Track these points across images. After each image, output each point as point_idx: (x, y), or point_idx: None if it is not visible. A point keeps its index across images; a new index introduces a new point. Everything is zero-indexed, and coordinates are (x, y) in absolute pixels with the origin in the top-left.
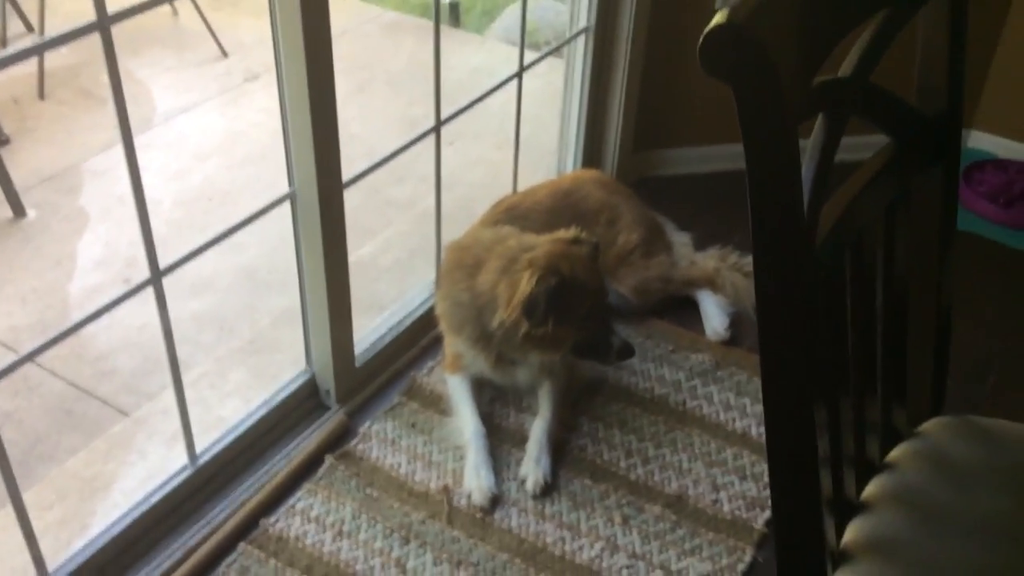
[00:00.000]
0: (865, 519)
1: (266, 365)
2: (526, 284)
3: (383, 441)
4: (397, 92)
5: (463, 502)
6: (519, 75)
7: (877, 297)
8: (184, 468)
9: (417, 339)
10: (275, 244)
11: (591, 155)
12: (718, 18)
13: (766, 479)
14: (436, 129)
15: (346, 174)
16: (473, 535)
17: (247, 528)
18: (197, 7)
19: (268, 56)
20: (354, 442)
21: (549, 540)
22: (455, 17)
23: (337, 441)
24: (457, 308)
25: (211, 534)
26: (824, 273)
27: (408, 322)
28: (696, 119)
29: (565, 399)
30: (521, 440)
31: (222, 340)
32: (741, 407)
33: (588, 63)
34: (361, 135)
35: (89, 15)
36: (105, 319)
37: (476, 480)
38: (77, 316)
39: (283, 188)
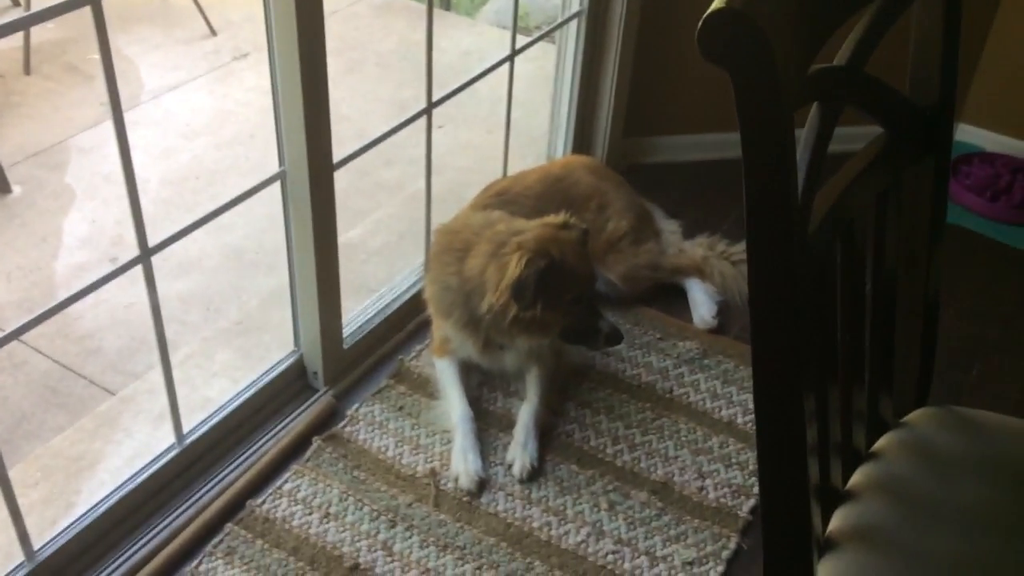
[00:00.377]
0: (851, 507)
1: (253, 346)
2: (515, 267)
3: (370, 424)
4: (387, 74)
5: (450, 486)
6: (511, 59)
7: (866, 287)
8: (171, 448)
9: (405, 322)
10: (263, 225)
11: (581, 140)
12: (717, 3)
13: (751, 467)
14: (427, 111)
15: (336, 155)
16: (460, 519)
17: (234, 509)
18: None
19: (257, 35)
20: (341, 424)
21: (535, 525)
22: (446, 0)
23: (324, 423)
24: (446, 292)
25: (197, 514)
26: (815, 262)
27: (396, 305)
28: (687, 107)
29: (552, 385)
30: (508, 425)
31: (209, 320)
32: (728, 395)
33: (580, 48)
34: (351, 116)
35: None
36: (91, 298)
37: (463, 464)
38: (63, 294)
39: (271, 168)
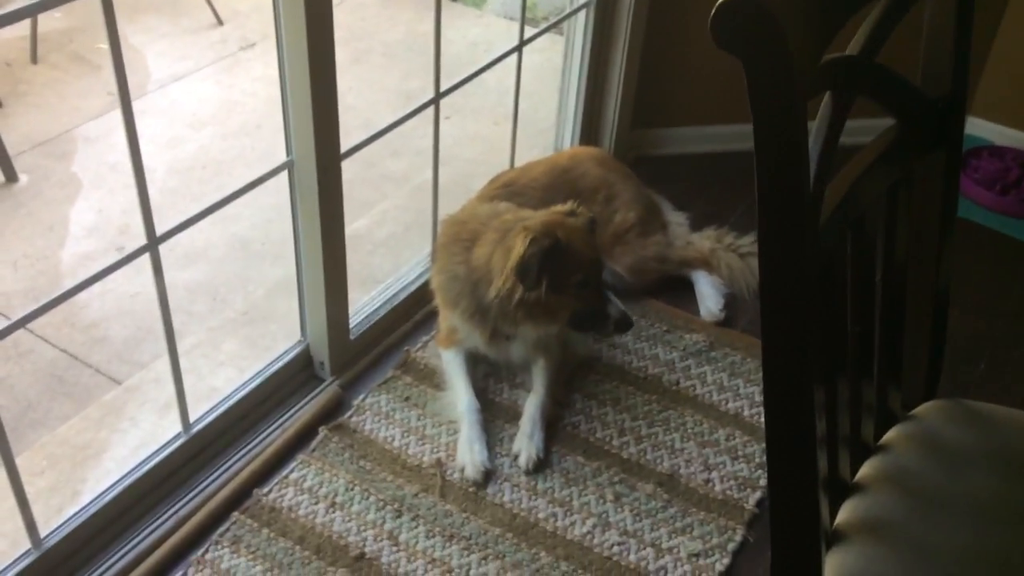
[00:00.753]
0: (859, 500)
1: (259, 336)
2: (519, 247)
3: (377, 414)
4: (393, 64)
5: (456, 476)
6: (519, 49)
7: (876, 279)
8: (177, 437)
9: (411, 313)
10: (269, 215)
11: (589, 132)
12: None
13: (758, 460)
14: (435, 101)
15: (343, 146)
16: (466, 509)
17: (240, 498)
18: None
19: (264, 24)
20: (348, 414)
21: (541, 516)
22: None
23: (331, 413)
24: (453, 282)
25: (204, 503)
26: (825, 254)
27: (403, 296)
28: (695, 98)
29: (559, 376)
30: (514, 416)
31: (215, 310)
32: (734, 388)
33: (588, 39)
34: (357, 106)
35: None
36: (97, 287)
37: (469, 455)
38: (69, 283)
39: (278, 158)
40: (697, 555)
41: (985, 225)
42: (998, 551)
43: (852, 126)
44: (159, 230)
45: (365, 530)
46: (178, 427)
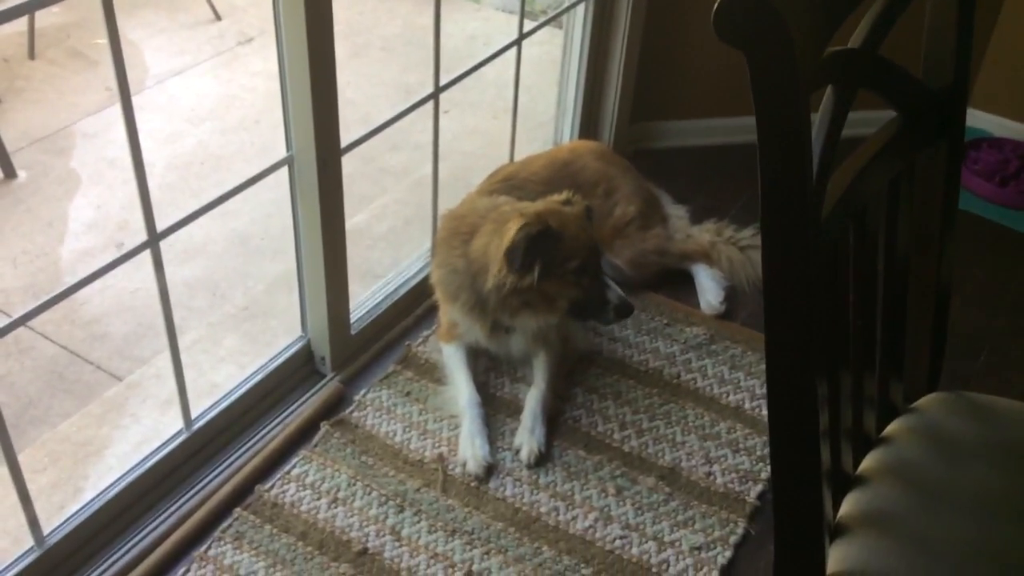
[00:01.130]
0: (861, 492)
1: (259, 332)
2: (511, 232)
3: (378, 409)
4: (392, 58)
5: (458, 471)
6: (518, 43)
7: (878, 271)
8: (179, 433)
9: (412, 308)
10: (268, 210)
11: (588, 125)
12: None
13: (759, 453)
14: (434, 96)
15: (343, 140)
16: (468, 504)
17: (242, 494)
18: None
19: (261, 19)
20: (349, 410)
21: (543, 510)
22: None
23: (332, 408)
24: (453, 275)
25: (206, 500)
26: (828, 246)
27: (403, 291)
28: (695, 91)
29: (559, 370)
30: (516, 410)
31: (215, 306)
32: (735, 381)
33: (587, 32)
34: (356, 101)
35: None
36: (97, 283)
37: (471, 449)
38: (69, 279)
39: (276, 153)
40: (699, 548)
41: (984, 217)
42: (1000, 543)
43: (854, 118)
44: (159, 226)
45: (367, 525)
46: (179, 423)
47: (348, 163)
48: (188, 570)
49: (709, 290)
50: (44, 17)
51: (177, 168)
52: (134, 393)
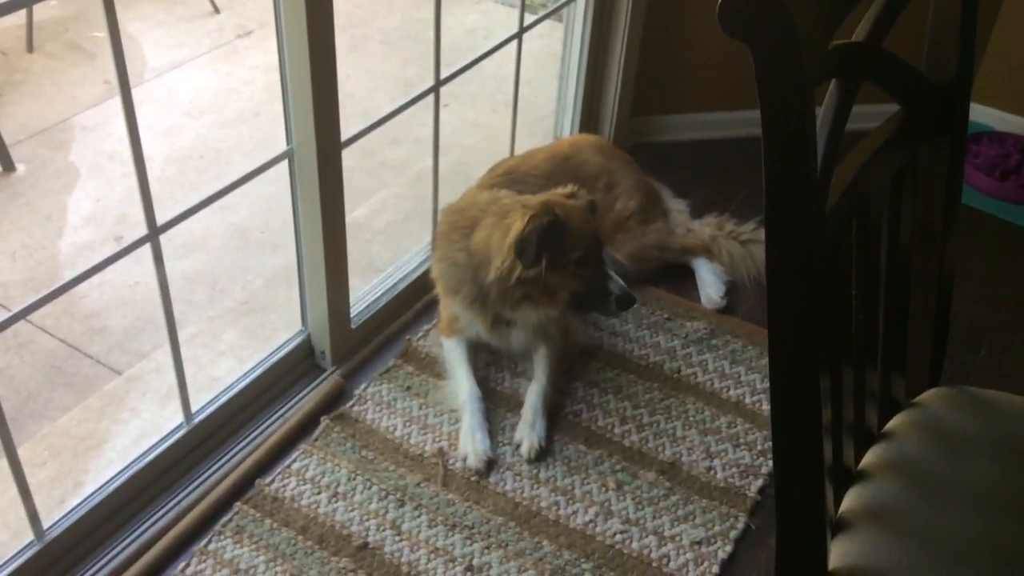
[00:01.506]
0: (863, 488)
1: (259, 326)
2: (519, 224)
3: (378, 404)
4: (391, 52)
5: (458, 465)
6: (518, 36)
7: (881, 266)
8: (179, 427)
9: (412, 302)
10: (268, 204)
11: (589, 119)
12: None
13: (759, 447)
14: (435, 89)
15: (343, 134)
16: (468, 498)
17: (242, 488)
18: None
19: (260, 12)
20: (349, 404)
21: (543, 504)
22: None
23: (332, 403)
24: (454, 269)
25: (206, 494)
26: (832, 240)
27: (403, 285)
28: (695, 85)
29: (560, 365)
30: (516, 405)
31: (215, 300)
32: (736, 375)
33: (587, 26)
34: (355, 95)
35: None
36: (97, 277)
37: (471, 443)
38: (68, 273)
39: (276, 146)
40: (699, 543)
41: (985, 211)
42: (1002, 537)
43: (857, 112)
44: (158, 220)
45: (367, 520)
46: (179, 417)
47: (348, 157)
48: (188, 564)
49: (710, 284)
50: (42, 10)
51: (176, 162)
52: (134, 387)
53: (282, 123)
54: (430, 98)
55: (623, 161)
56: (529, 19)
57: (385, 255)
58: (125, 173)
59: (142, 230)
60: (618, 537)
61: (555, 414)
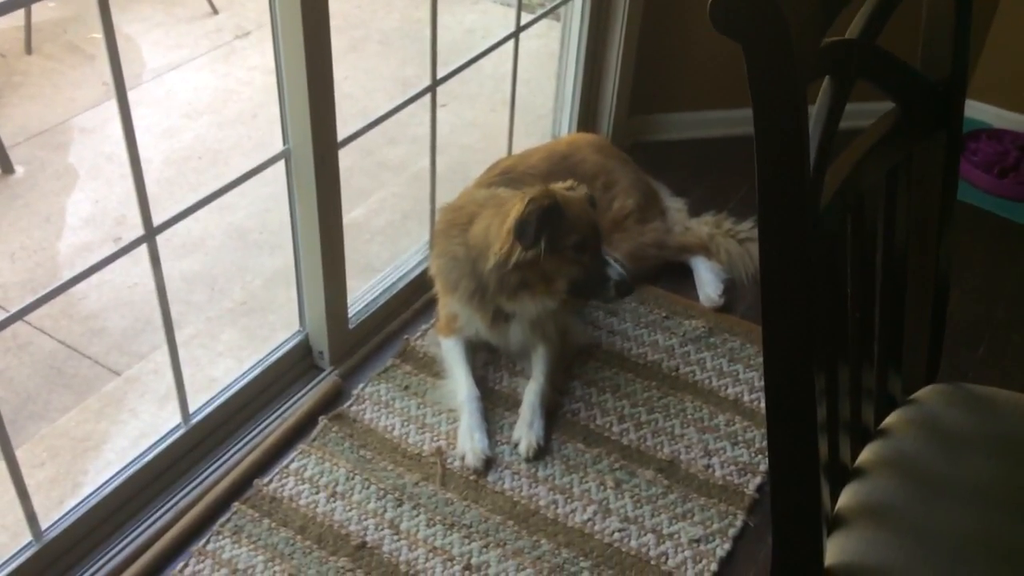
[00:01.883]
0: (859, 484)
1: (258, 326)
2: (519, 206)
3: (376, 403)
4: (389, 52)
5: (456, 464)
6: (515, 35)
7: (877, 263)
8: (177, 428)
9: (410, 302)
10: (265, 204)
11: (586, 118)
12: None
13: (758, 445)
14: (432, 89)
15: (340, 134)
16: (466, 497)
17: (240, 488)
18: None
19: (258, 13)
20: (347, 404)
21: (542, 503)
22: None
23: (330, 403)
24: (452, 264)
25: (204, 494)
26: (826, 238)
27: (401, 285)
28: (692, 84)
29: (558, 364)
30: (514, 404)
31: (213, 300)
32: (734, 373)
33: (585, 25)
34: (353, 95)
35: None
36: (95, 278)
37: (469, 443)
38: (67, 274)
39: (274, 147)
40: (698, 540)
41: (983, 208)
42: (998, 534)
43: (852, 110)
44: (156, 220)
45: (366, 519)
46: (178, 418)
47: (346, 157)
48: (187, 564)
49: (708, 283)
50: (41, 12)
51: (174, 162)
52: (132, 388)
53: (280, 124)
54: (428, 98)
55: (621, 160)
56: (526, 18)
57: (383, 255)
58: (124, 174)
59: (140, 231)
60: (616, 535)
61: (553, 413)
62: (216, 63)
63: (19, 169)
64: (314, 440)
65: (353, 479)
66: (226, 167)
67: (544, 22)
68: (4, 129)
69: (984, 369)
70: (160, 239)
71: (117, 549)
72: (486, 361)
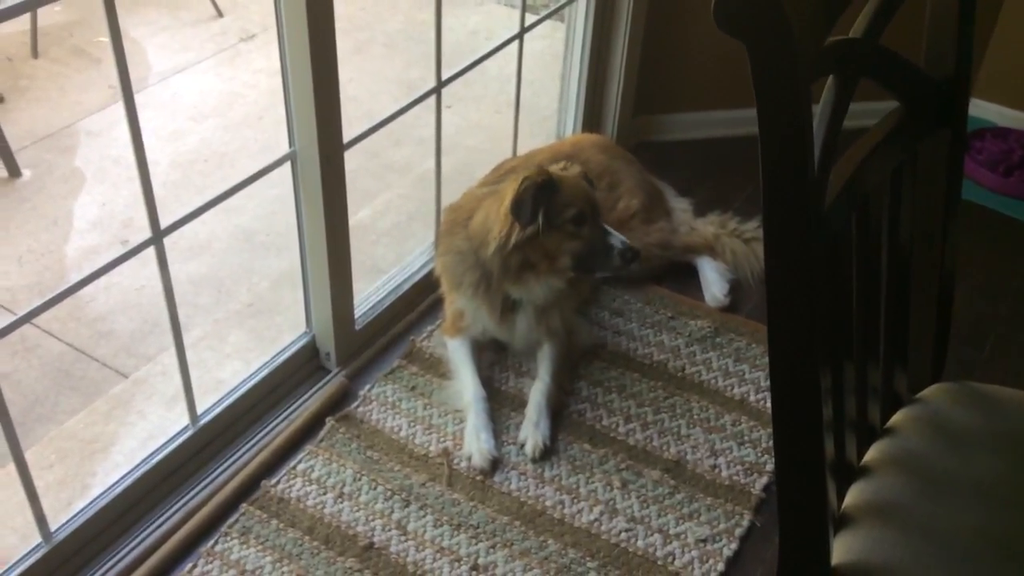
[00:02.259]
0: (866, 483)
1: (265, 328)
2: (514, 186)
3: (383, 404)
4: (394, 54)
5: (463, 465)
6: (520, 37)
7: (881, 262)
8: (185, 429)
9: (416, 303)
10: (272, 207)
11: (591, 119)
12: None
13: (764, 445)
14: (437, 90)
15: (345, 136)
16: (473, 498)
17: (248, 489)
18: None
19: (263, 16)
20: (354, 405)
21: (549, 503)
22: None
23: (337, 404)
24: (457, 258)
25: (212, 495)
26: (831, 237)
27: (407, 286)
28: (697, 84)
29: (564, 364)
30: (520, 404)
31: (220, 302)
32: (739, 373)
33: (589, 26)
34: (358, 97)
35: None
36: (103, 281)
37: (476, 443)
38: (74, 277)
39: (280, 149)
40: (704, 540)
41: (988, 206)
42: (1005, 532)
43: (856, 109)
44: (163, 223)
45: (373, 520)
46: (186, 420)
47: (351, 159)
48: (195, 565)
49: (714, 283)
50: (47, 16)
51: (181, 165)
52: (140, 390)
53: (286, 126)
54: (433, 99)
55: (625, 160)
56: (530, 19)
57: (389, 256)
58: (130, 177)
59: (147, 234)
60: (623, 535)
61: (559, 413)
62: (222, 66)
63: (26, 172)
64: (321, 441)
65: (360, 480)
66: (232, 169)
67: (548, 23)
68: (11, 132)
69: (989, 367)
70: (167, 241)
71: (126, 550)
72: (492, 361)
